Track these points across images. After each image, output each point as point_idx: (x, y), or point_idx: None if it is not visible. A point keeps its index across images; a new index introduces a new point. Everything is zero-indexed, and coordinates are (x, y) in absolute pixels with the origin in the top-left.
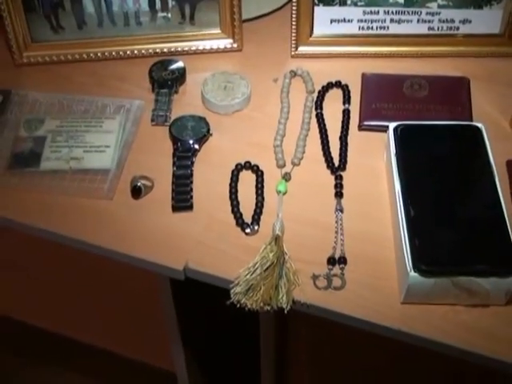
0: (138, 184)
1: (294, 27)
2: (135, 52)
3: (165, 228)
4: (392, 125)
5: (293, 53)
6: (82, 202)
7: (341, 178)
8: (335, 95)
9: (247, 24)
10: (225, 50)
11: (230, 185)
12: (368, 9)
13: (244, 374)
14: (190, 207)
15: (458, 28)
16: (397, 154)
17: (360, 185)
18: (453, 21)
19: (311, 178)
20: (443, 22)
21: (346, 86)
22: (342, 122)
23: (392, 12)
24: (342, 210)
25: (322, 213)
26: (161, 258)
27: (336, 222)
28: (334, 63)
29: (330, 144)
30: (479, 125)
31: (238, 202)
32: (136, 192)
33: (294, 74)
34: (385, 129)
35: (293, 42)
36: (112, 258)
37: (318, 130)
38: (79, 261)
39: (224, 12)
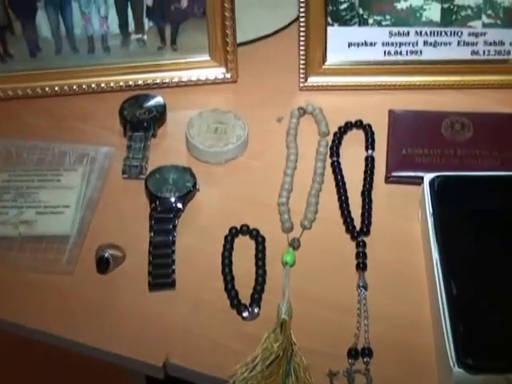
0: (106, 255)
1: (302, 52)
2: (102, 85)
3: (140, 311)
4: (428, 176)
5: (301, 85)
6: (34, 278)
7: (364, 245)
8: (355, 138)
9: (243, 48)
10: (215, 82)
11: (223, 255)
12: (395, 29)
13: None
14: (171, 284)
15: (508, 52)
16: (434, 213)
17: (388, 253)
18: (502, 43)
19: (326, 246)
20: (490, 44)
21: (369, 126)
22: (365, 172)
23: (426, 33)
24: (365, 287)
25: (341, 290)
26: (134, 350)
27: (358, 302)
28: (353, 98)
29: (350, 201)
30: None
31: (232, 278)
32: (103, 265)
33: (303, 111)
34: (419, 181)
35: (301, 71)
36: (70, 349)
37: (334, 184)
38: (32, 349)
39: (214, 33)
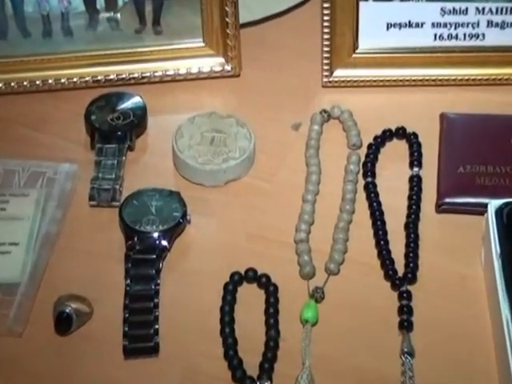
0: (67, 310)
1: (326, 37)
2: (62, 81)
3: None
4: (494, 203)
5: (325, 80)
6: None
7: (409, 296)
8: (396, 152)
9: (248, 31)
10: (212, 76)
11: (223, 310)
12: (450, 5)
13: None
14: (154, 350)
15: None
16: (503, 253)
17: (441, 309)
18: None
19: (359, 298)
20: None
21: (415, 135)
22: (410, 198)
23: (490, 10)
24: (411, 353)
25: (379, 358)
26: None
27: (403, 373)
28: (393, 97)
29: (390, 237)
30: None
31: (235, 341)
32: (63, 323)
33: (327, 115)
34: (481, 210)
35: (325, 61)
36: None
37: (368, 213)
38: None
39: (209, 11)
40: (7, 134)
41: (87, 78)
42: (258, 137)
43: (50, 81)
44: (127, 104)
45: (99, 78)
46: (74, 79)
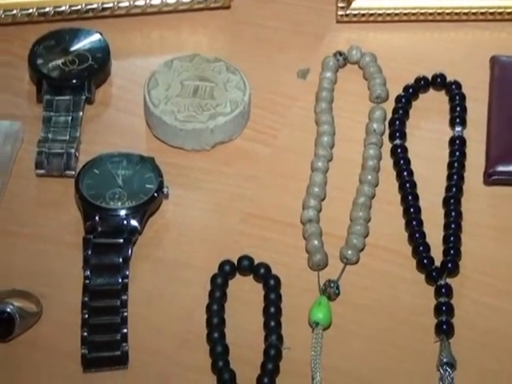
0: (8, 309)
1: None
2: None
3: None
4: None
5: (340, 13)
6: None
7: (449, 292)
8: (433, 107)
9: None
10: (194, 8)
11: (209, 308)
12: None
13: None
14: (121, 360)
15: None
16: None
17: (490, 307)
18: None
19: (384, 294)
20: None
21: (457, 84)
22: (450, 165)
23: None
24: (452, 364)
25: (409, 370)
26: None
27: None
28: (428, 35)
29: (424, 216)
30: None
31: (225, 348)
32: (3, 326)
33: (343, 59)
34: None
35: None
36: None
37: (396, 186)
38: None
39: None
40: None
41: (31, 10)
42: (255, 87)
43: None
44: (84, 44)
45: (47, 9)
46: (14, 11)
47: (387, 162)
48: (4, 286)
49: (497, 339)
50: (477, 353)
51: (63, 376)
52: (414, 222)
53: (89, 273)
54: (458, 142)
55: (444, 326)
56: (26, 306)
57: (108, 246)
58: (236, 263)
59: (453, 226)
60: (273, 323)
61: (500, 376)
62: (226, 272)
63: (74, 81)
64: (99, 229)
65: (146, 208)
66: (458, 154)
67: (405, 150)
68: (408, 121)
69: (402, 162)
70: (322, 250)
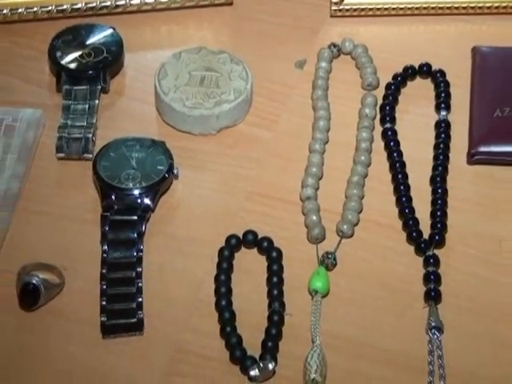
0: (34, 281)
1: None
2: (19, 10)
3: (87, 371)
4: None
5: (334, 8)
6: None
7: (436, 262)
8: (420, 93)
9: None
10: (200, 4)
11: (217, 279)
12: None
13: None
14: (137, 326)
15: None
16: None
17: (474, 275)
18: None
19: (377, 264)
20: None
21: (441, 73)
22: (436, 146)
23: None
24: (440, 328)
25: (401, 334)
26: None
27: (430, 352)
28: (415, 28)
29: (413, 193)
30: None
31: (232, 315)
32: (29, 296)
33: (337, 50)
34: None
35: None
36: None
37: (387, 165)
38: None
39: None
40: None
41: (50, 7)
42: (256, 76)
43: (4, 11)
44: (99, 38)
45: (64, 6)
46: (34, 8)
47: (379, 144)
48: (30, 260)
49: (480, 304)
50: (462, 317)
51: (84, 342)
52: (404, 199)
53: (106, 247)
54: (443, 125)
55: (432, 293)
56: (50, 277)
57: (123, 222)
58: (241, 237)
59: (439, 202)
60: (276, 292)
61: (483, 337)
62: (232, 245)
63: (91, 72)
64: (115, 207)
65: (158, 188)
66: (443, 136)
67: (394, 132)
68: (397, 106)
69: (392, 143)
70: (319, 224)
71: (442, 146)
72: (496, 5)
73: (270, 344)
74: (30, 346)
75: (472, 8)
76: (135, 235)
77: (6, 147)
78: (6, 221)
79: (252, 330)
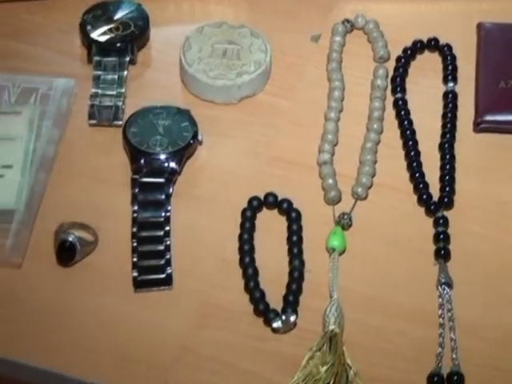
0: (70, 238)
1: None
2: None
3: (120, 323)
4: None
5: None
6: None
7: (445, 222)
8: (428, 65)
9: None
10: None
11: (241, 238)
12: None
13: None
14: (166, 281)
15: None
16: None
17: (481, 235)
18: None
19: (390, 224)
20: None
21: (449, 47)
22: (444, 116)
23: None
24: (449, 284)
25: (413, 289)
26: (115, 379)
27: (441, 306)
28: (424, 5)
29: (423, 158)
30: None
31: (255, 271)
32: (66, 253)
33: (350, 26)
34: None
35: None
36: (18, 379)
37: (398, 133)
38: None
39: None
40: None
41: None
42: (274, 49)
43: None
44: (126, 13)
45: None
46: None
47: (390, 113)
48: (64, 220)
49: (486, 262)
50: (469, 273)
51: (117, 295)
52: (415, 164)
53: (136, 208)
54: (450, 95)
55: (442, 252)
56: (85, 236)
57: (152, 184)
58: (263, 199)
59: (447, 167)
60: (295, 250)
61: (488, 292)
62: (254, 206)
63: (119, 44)
64: (144, 170)
65: (183, 153)
66: (450, 105)
67: (405, 102)
68: (407, 78)
69: (402, 112)
70: (336, 187)
71: (449, 115)
72: None
73: (291, 298)
74: (67, 299)
75: None
76: (163, 196)
77: (41, 114)
78: (43, 182)
79: (274, 285)
